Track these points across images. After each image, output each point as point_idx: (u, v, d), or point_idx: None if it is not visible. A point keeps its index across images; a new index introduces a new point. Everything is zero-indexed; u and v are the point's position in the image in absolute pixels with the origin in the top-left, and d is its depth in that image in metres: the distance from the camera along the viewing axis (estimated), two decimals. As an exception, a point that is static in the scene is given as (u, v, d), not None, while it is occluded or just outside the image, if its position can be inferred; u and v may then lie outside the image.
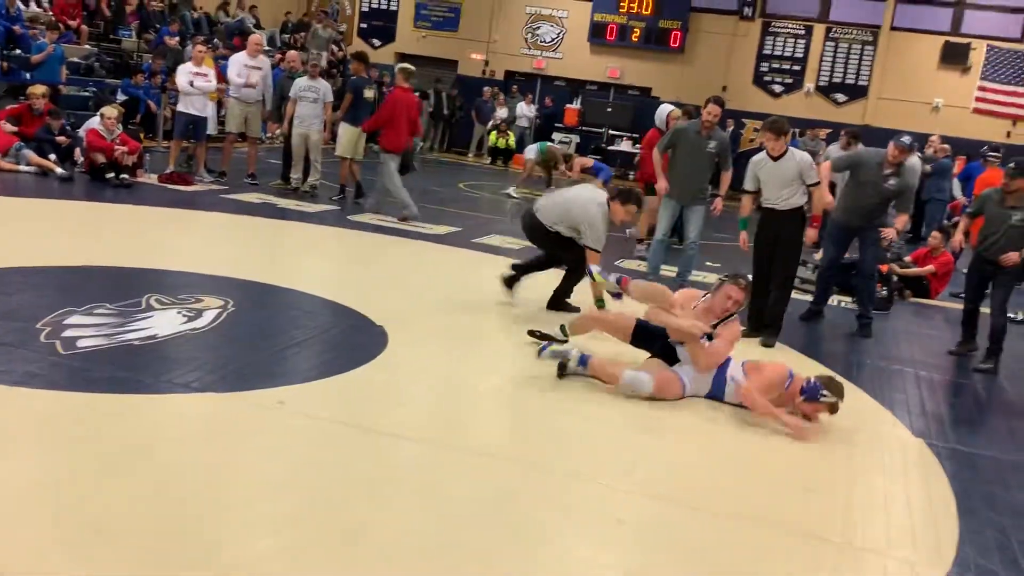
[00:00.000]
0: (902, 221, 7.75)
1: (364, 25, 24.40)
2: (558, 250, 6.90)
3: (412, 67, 11.21)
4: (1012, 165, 7.21)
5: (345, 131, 11.37)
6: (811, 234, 7.06)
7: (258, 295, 6.49)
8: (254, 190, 11.28)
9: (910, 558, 3.70)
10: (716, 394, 5.27)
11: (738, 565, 3.48)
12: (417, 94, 11.50)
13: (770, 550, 3.63)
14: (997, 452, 5.21)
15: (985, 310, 7.37)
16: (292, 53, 14.30)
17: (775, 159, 6.84)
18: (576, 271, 6.91)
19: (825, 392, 5.06)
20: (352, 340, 5.69)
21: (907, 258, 10.21)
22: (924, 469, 4.78)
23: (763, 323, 6.96)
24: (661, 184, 8.46)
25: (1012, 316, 8.00)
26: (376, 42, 24.16)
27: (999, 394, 6.61)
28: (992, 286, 7.26)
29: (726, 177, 8.65)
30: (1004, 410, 6.24)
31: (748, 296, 5.53)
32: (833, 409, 5.09)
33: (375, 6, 24.33)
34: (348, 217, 10.39)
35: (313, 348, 5.47)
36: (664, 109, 10.78)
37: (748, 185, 7.07)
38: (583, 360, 5.28)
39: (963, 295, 7.93)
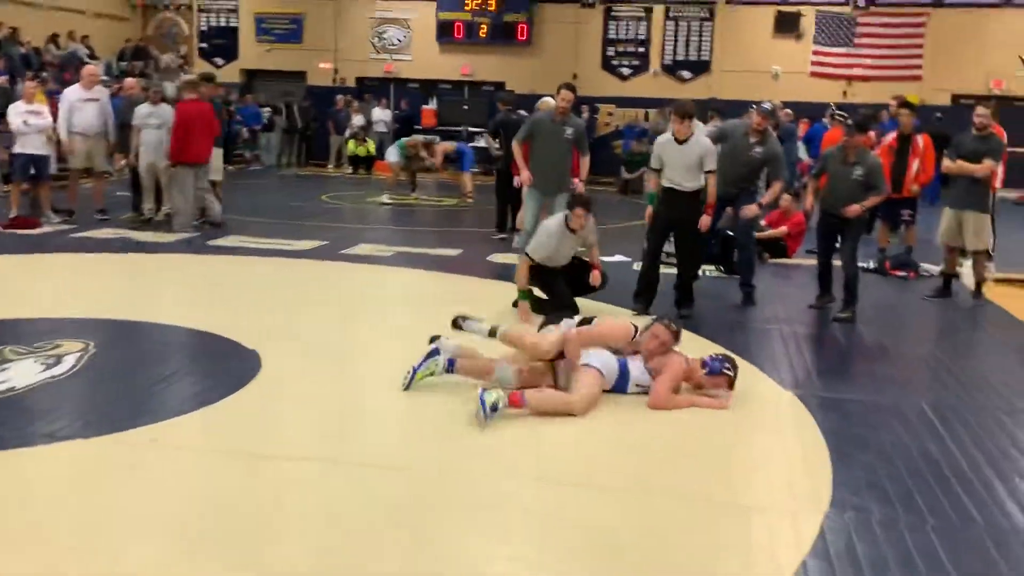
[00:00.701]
0: (777, 188, 8.03)
1: (204, 45, 23.73)
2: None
3: (195, 77, 11.31)
4: (851, 122, 7.60)
5: (215, 155, 11.20)
6: (704, 221, 7.22)
7: (120, 333, 6.26)
8: (106, 225, 10.84)
9: (791, 508, 3.86)
10: (618, 390, 5.17)
11: (634, 537, 3.56)
12: (211, 101, 11.24)
13: (659, 517, 3.73)
14: (861, 396, 5.49)
15: (837, 263, 7.73)
16: (130, 80, 13.73)
17: (680, 142, 7.02)
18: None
19: (728, 365, 5.20)
20: (224, 367, 5.54)
21: (762, 222, 10.60)
22: (796, 420, 5.00)
23: (661, 297, 7.38)
24: (524, 175, 8.51)
25: (864, 266, 8.44)
26: (219, 61, 23.53)
27: (858, 340, 6.94)
28: (840, 239, 7.62)
29: (584, 163, 8.78)
30: (864, 355, 6.56)
31: (677, 340, 5.32)
32: (732, 384, 5.20)
33: (213, 24, 23.70)
34: (208, 243, 10.11)
35: (183, 380, 5.31)
36: (548, 102, 10.76)
37: (653, 164, 7.35)
38: (450, 365, 5.26)
39: (815, 251, 8.26)
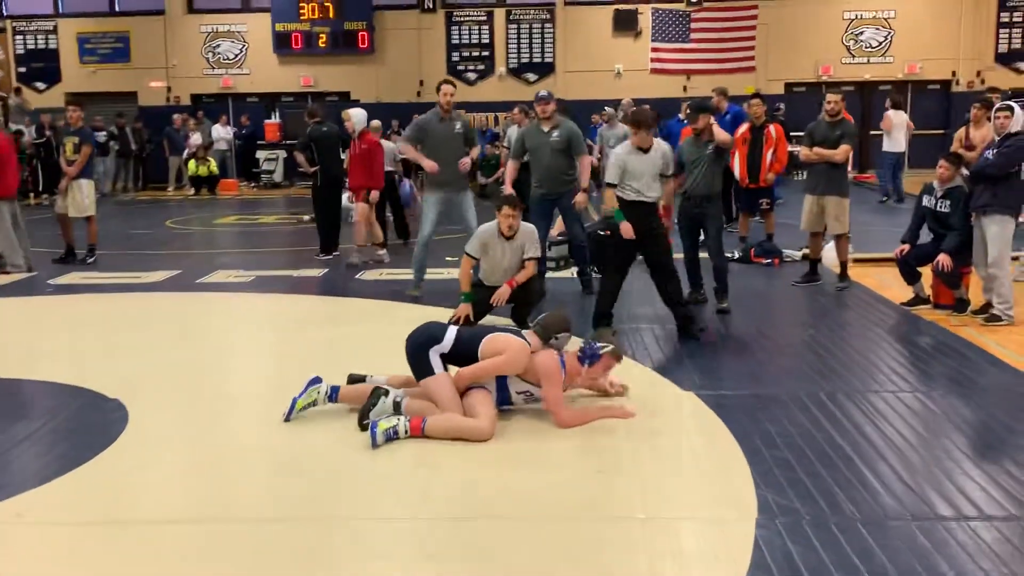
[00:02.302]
0: (584, 165, 8.15)
1: (23, 69, 22.21)
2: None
3: None
4: (687, 106, 7.70)
5: (90, 186, 10.46)
6: (667, 223, 7.21)
7: (-41, 393, 5.61)
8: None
9: (719, 517, 3.74)
10: (504, 404, 4.95)
11: (555, 565, 3.35)
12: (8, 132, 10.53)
13: (587, 542, 3.53)
14: (759, 390, 5.46)
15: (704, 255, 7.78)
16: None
17: (645, 151, 6.72)
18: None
19: (600, 344, 4.96)
20: (87, 422, 5.01)
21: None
22: (702, 421, 4.91)
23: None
24: (428, 164, 8.06)
25: (728, 256, 8.53)
26: (40, 85, 22.09)
27: (740, 333, 6.96)
28: (704, 232, 7.67)
29: (474, 152, 8.64)
30: (750, 348, 6.57)
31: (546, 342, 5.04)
32: (618, 355, 5.00)
33: (31, 47, 22.20)
34: (48, 282, 9.32)
35: (43, 442, 4.76)
36: (358, 112, 10.44)
37: (612, 178, 6.75)
38: (333, 393, 4.97)
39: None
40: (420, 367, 4.84)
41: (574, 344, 5.10)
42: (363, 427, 4.66)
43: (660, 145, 6.87)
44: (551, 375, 4.80)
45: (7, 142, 9.87)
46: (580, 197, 8.02)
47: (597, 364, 4.95)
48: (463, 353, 4.87)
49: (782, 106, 19.08)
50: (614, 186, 6.74)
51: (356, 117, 10.19)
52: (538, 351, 4.91)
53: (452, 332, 4.94)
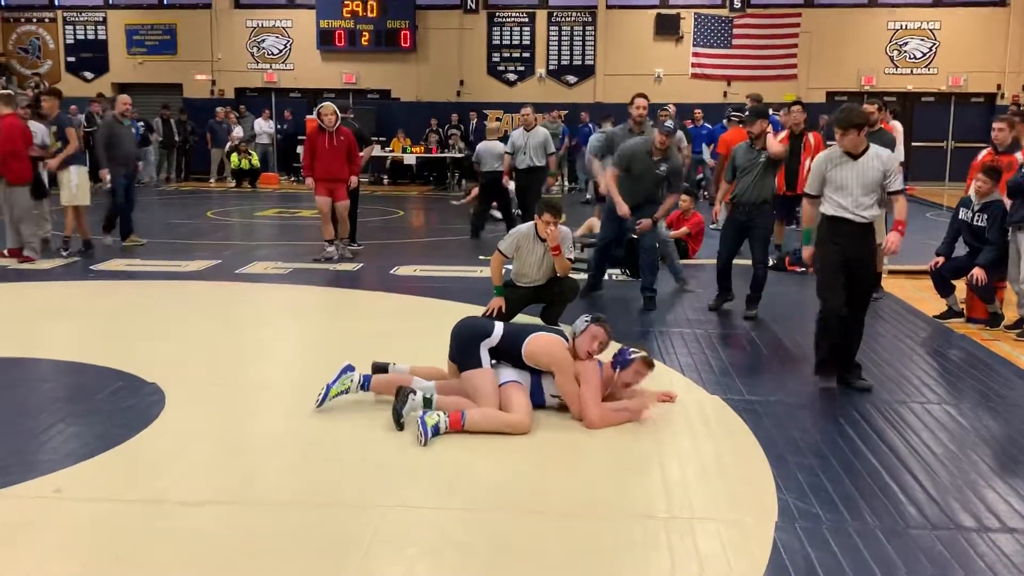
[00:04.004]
0: (671, 201, 8.11)
1: (72, 59, 22.65)
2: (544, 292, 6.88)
3: (10, 92, 10.61)
4: (747, 112, 7.70)
5: (79, 174, 10.35)
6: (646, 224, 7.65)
7: (4, 373, 5.77)
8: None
9: (739, 519, 3.78)
10: (537, 405, 4.97)
11: (577, 561, 3.41)
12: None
13: (610, 539, 3.59)
14: (785, 396, 5.48)
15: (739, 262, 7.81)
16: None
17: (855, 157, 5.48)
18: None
19: (632, 350, 5.05)
20: (125, 405, 5.14)
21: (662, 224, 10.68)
22: (727, 426, 4.95)
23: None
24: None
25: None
26: (88, 75, 22.52)
27: (770, 339, 6.98)
28: (750, 239, 7.69)
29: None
30: (779, 354, 6.60)
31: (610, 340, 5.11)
32: (649, 363, 5.07)
33: (80, 37, 22.63)
34: (91, 267, 9.54)
35: (82, 422, 4.90)
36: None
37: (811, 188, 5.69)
38: (365, 382, 5.07)
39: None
40: (467, 359, 4.94)
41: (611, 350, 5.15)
42: (400, 426, 4.72)
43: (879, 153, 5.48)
44: (592, 382, 4.88)
45: (20, 130, 9.62)
46: (646, 223, 7.86)
47: (628, 369, 5.02)
48: (508, 349, 4.97)
49: (825, 117, 18.95)
50: (815, 198, 5.63)
51: (338, 113, 10.15)
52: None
53: (500, 327, 5.06)
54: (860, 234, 5.44)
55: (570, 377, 4.87)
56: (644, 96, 8.61)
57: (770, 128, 7.73)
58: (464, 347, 4.98)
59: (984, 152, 8.10)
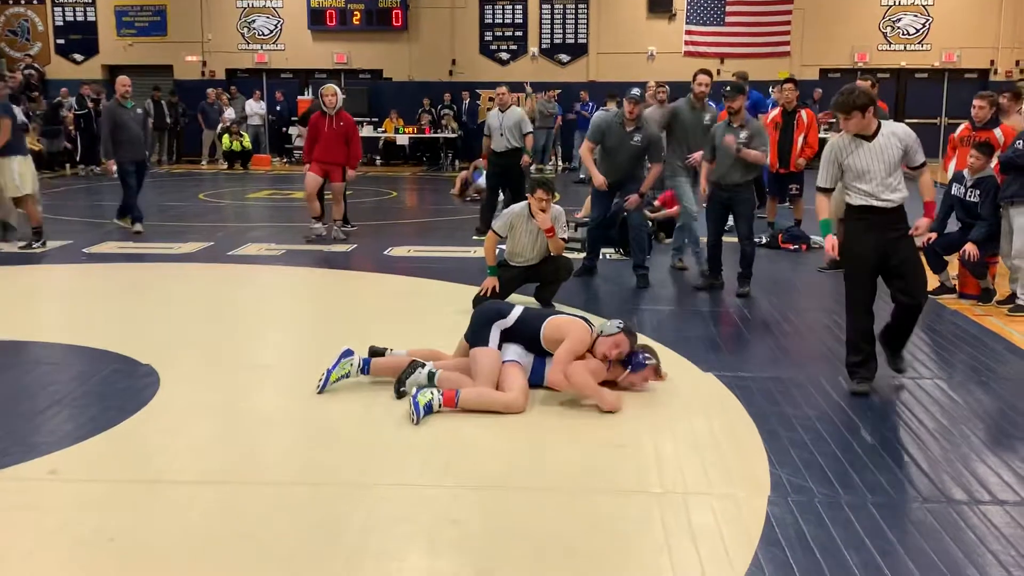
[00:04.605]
0: (656, 171, 8.05)
1: (61, 41, 22.49)
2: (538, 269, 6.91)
3: None
4: (727, 87, 7.65)
5: (21, 163, 9.69)
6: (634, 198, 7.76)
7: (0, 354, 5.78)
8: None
9: (733, 493, 3.81)
10: (536, 384, 4.99)
11: (573, 534, 3.43)
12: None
13: (603, 514, 3.61)
14: (779, 372, 5.51)
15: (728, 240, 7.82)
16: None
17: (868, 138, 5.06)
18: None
19: (648, 356, 5.08)
20: (119, 386, 5.15)
21: (655, 202, 10.67)
22: (720, 402, 4.97)
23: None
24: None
25: (756, 240, 8.54)
26: (78, 57, 22.38)
27: (763, 316, 6.99)
28: (734, 217, 7.69)
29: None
30: (772, 331, 6.61)
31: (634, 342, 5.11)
32: (660, 373, 5.11)
33: (70, 19, 22.46)
34: (83, 250, 9.51)
35: (76, 404, 4.90)
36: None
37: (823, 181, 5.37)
38: (365, 366, 5.09)
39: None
40: (478, 336, 4.98)
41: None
42: (399, 394, 4.80)
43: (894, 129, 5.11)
44: (577, 340, 4.86)
45: None
46: (633, 199, 7.87)
47: (637, 374, 5.04)
48: (524, 332, 4.99)
49: (819, 90, 18.95)
50: (828, 190, 5.27)
51: (339, 95, 10.09)
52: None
53: (518, 310, 5.10)
54: (894, 219, 5.02)
55: (573, 349, 4.87)
56: (707, 72, 8.43)
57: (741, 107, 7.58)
58: (478, 324, 5.04)
59: (961, 127, 8.12)
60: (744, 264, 7.62)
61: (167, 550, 3.31)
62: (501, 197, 10.85)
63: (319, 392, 4.96)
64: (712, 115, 8.32)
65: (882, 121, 5.04)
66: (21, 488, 3.81)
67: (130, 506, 3.67)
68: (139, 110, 10.52)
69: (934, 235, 7.53)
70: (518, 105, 12.23)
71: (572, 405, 4.84)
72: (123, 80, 10.68)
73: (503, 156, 10.59)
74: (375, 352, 5.32)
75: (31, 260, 9.03)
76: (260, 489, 3.84)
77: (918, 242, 5.12)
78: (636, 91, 7.87)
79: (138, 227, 10.56)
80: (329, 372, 5.00)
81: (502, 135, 10.49)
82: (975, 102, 7.94)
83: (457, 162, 20.05)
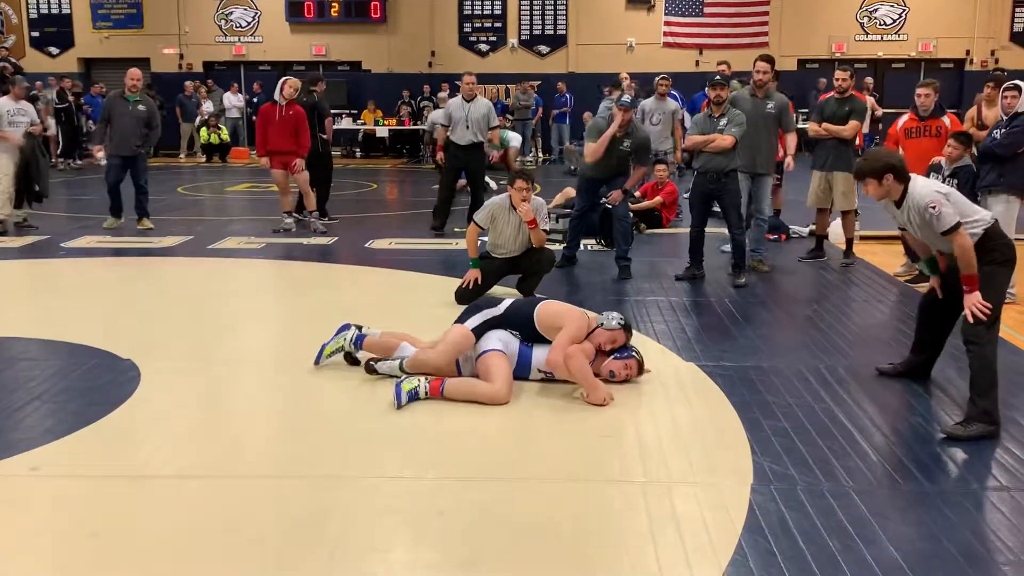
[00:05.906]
0: (639, 173, 8.10)
1: (36, 33, 22.23)
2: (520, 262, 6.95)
3: None
4: (714, 78, 7.68)
5: None
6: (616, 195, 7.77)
7: (-24, 351, 5.72)
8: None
9: (716, 482, 3.83)
10: (521, 376, 5.00)
11: (557, 527, 3.44)
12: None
13: (588, 503, 3.63)
14: (760, 362, 5.54)
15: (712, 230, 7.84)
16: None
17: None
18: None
19: (635, 349, 5.11)
20: (99, 382, 5.11)
21: (636, 193, 10.69)
22: (702, 392, 5.00)
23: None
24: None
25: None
26: (53, 50, 22.13)
27: (744, 306, 7.00)
28: (722, 207, 7.71)
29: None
30: (753, 321, 6.64)
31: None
32: (641, 366, 5.11)
33: (44, 11, 22.20)
34: (62, 245, 9.43)
35: (56, 399, 4.86)
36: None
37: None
38: (359, 341, 5.16)
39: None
40: (461, 319, 5.08)
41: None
42: (369, 370, 5.00)
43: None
44: (575, 329, 4.90)
45: None
46: (616, 195, 7.86)
47: (619, 361, 5.04)
48: (515, 318, 5.03)
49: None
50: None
51: (298, 89, 10.06)
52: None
53: (508, 301, 5.17)
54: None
55: (571, 334, 4.88)
56: (766, 60, 8.21)
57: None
58: (466, 313, 5.10)
59: (906, 117, 8.04)
60: (737, 254, 7.65)
61: (151, 545, 3.30)
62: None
63: (316, 365, 5.14)
64: (777, 103, 8.09)
65: (908, 189, 4.50)
66: (2, 485, 3.79)
67: (113, 501, 3.65)
68: (141, 106, 10.36)
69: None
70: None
71: (557, 396, 4.85)
72: (133, 73, 10.49)
73: (465, 150, 9.93)
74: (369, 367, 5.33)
75: (6, 255, 8.94)
76: (244, 482, 3.84)
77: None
78: (627, 98, 7.89)
79: (111, 221, 10.44)
80: (324, 346, 5.14)
81: (468, 127, 9.84)
82: (919, 91, 7.77)
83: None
